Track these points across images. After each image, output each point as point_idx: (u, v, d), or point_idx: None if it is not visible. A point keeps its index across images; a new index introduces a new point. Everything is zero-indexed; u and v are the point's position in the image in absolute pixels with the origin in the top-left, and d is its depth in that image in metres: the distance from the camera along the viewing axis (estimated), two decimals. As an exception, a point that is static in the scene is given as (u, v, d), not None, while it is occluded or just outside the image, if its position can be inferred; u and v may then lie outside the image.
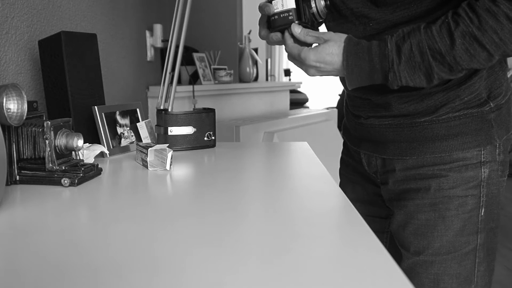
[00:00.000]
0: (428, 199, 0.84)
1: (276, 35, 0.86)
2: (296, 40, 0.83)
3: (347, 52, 0.77)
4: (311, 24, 0.87)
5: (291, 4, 0.85)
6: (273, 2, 0.86)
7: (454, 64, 0.72)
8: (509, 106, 0.86)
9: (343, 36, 0.79)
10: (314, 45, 0.82)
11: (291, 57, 0.85)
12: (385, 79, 0.76)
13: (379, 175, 0.94)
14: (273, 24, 0.87)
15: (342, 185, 1.09)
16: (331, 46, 0.78)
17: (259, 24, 0.90)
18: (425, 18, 0.76)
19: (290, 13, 0.85)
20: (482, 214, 0.82)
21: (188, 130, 1.09)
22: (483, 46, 0.70)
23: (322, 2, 0.85)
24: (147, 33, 2.07)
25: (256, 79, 2.90)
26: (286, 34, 0.85)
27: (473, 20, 0.69)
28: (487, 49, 0.70)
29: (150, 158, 0.87)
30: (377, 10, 0.78)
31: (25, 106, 0.71)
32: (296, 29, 0.82)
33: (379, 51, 0.75)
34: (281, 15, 0.85)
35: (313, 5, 0.85)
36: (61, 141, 0.77)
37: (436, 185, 0.83)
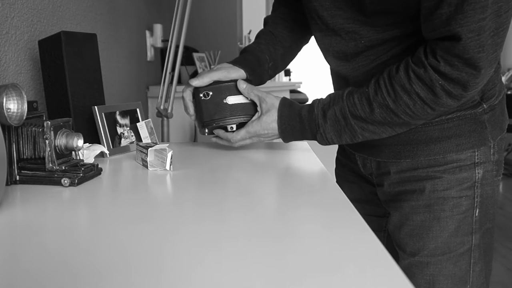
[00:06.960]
0: (423, 200, 0.84)
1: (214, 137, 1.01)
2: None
3: (280, 115, 0.89)
4: None
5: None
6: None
7: (376, 125, 0.80)
8: (503, 106, 0.87)
9: (277, 101, 0.90)
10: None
11: (238, 141, 0.94)
12: (314, 138, 0.88)
13: (375, 177, 0.95)
14: (210, 130, 0.98)
15: (338, 185, 1.09)
16: (272, 114, 0.90)
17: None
18: (414, 37, 0.77)
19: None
20: (477, 214, 0.83)
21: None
22: (399, 116, 0.78)
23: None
24: (147, 33, 2.08)
25: (256, 79, 2.90)
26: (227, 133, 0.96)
27: (390, 93, 0.77)
28: (402, 119, 0.78)
29: (150, 158, 0.87)
30: (368, 29, 0.79)
31: (25, 106, 0.71)
32: (242, 84, 0.94)
33: (308, 115, 0.87)
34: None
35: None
36: (61, 141, 0.77)
37: (431, 186, 0.84)
